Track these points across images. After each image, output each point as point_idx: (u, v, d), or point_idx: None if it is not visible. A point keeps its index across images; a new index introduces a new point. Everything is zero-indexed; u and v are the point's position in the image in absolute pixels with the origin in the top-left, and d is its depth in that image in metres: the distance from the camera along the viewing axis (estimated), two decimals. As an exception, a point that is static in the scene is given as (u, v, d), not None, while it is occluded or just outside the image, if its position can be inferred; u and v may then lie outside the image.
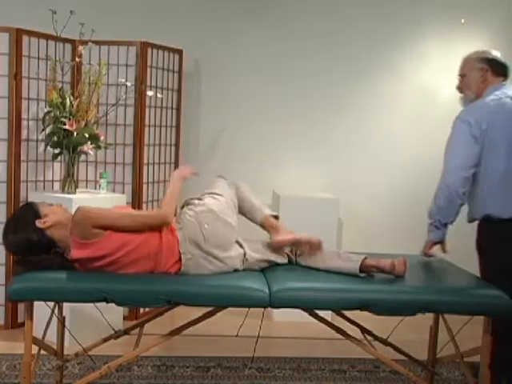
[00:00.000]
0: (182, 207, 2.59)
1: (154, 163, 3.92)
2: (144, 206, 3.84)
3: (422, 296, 2.31)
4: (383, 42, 4.38)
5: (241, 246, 2.51)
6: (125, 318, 3.68)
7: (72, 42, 3.64)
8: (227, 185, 2.63)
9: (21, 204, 3.51)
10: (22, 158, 3.53)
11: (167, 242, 2.38)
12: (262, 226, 2.61)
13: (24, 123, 3.54)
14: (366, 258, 2.46)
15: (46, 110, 3.41)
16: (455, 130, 2.66)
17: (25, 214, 2.39)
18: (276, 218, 2.62)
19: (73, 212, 2.45)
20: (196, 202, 2.54)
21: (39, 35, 3.54)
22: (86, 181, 3.85)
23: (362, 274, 2.44)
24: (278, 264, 2.59)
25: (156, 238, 2.37)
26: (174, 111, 4.09)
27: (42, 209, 2.39)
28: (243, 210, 2.62)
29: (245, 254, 2.50)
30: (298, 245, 2.58)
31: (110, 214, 2.36)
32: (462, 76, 2.85)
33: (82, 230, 2.29)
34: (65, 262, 2.35)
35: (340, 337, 2.46)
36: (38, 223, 2.34)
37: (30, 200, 3.47)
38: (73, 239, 2.32)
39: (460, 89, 2.87)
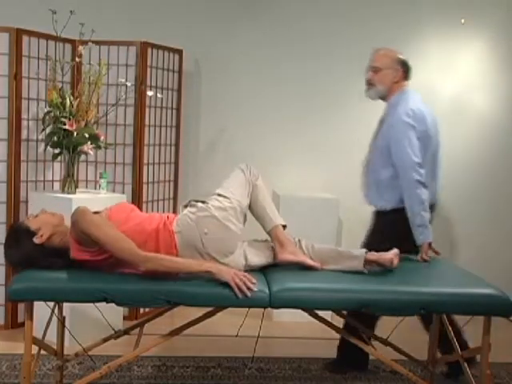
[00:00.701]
0: (186, 206, 2.55)
1: (153, 163, 3.92)
2: (144, 205, 3.84)
3: (422, 296, 2.31)
4: (383, 42, 4.34)
5: (245, 252, 2.47)
6: (125, 318, 3.68)
7: (72, 41, 3.64)
8: (244, 182, 2.53)
9: (20, 204, 3.53)
10: (22, 158, 3.53)
11: (165, 246, 2.36)
12: (270, 235, 2.56)
13: (24, 123, 3.53)
14: (366, 253, 2.48)
15: (46, 110, 3.41)
16: (405, 133, 2.83)
17: (19, 236, 2.36)
18: (283, 227, 2.57)
19: (58, 212, 2.47)
20: (199, 205, 2.48)
21: (39, 35, 3.54)
22: (86, 181, 3.85)
23: (366, 270, 2.45)
24: (277, 264, 2.57)
25: (153, 241, 2.36)
26: (174, 111, 4.09)
27: (31, 225, 2.37)
28: (254, 214, 2.57)
29: (247, 260, 2.46)
30: (300, 265, 2.54)
31: (101, 230, 2.26)
32: (377, 69, 2.96)
33: (76, 233, 2.30)
34: (68, 261, 2.37)
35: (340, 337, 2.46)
36: (36, 239, 2.34)
37: (29, 200, 3.48)
38: (71, 243, 2.34)
39: (370, 81, 3.00)
